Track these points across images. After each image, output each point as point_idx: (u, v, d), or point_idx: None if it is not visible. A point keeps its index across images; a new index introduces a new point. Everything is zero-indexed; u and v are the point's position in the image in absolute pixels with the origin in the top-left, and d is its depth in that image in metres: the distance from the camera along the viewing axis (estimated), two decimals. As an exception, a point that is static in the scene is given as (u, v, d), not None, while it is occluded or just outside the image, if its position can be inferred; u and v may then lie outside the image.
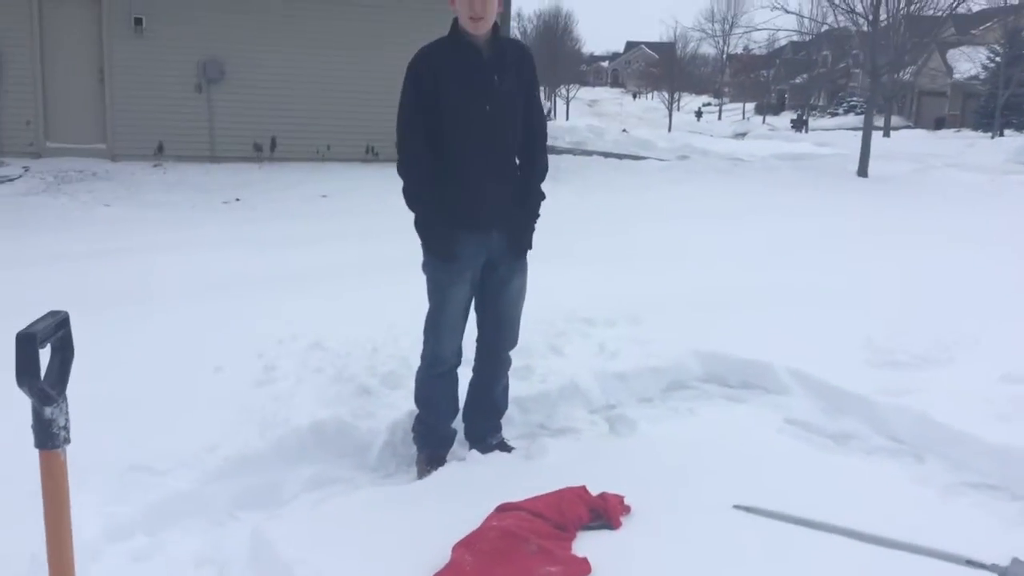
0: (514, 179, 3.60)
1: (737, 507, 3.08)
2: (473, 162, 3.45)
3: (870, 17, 15.94)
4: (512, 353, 3.85)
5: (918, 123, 49.39)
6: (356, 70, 13.63)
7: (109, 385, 4.21)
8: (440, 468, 3.53)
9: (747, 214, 10.27)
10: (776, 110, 62.07)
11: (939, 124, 45.93)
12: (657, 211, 10.57)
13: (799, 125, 48.52)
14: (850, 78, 48.82)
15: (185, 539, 3.16)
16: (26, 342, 1.18)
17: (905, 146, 26.52)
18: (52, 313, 1.26)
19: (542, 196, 3.69)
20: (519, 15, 73.28)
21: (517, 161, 3.62)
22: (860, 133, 15.69)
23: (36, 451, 1.40)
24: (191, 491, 3.38)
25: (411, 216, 3.50)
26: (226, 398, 4.16)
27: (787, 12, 17.15)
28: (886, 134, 37.52)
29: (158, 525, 3.19)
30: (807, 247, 8.06)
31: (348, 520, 3.05)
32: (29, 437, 1.63)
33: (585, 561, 2.69)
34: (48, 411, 1.27)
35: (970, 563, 2.75)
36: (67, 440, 1.31)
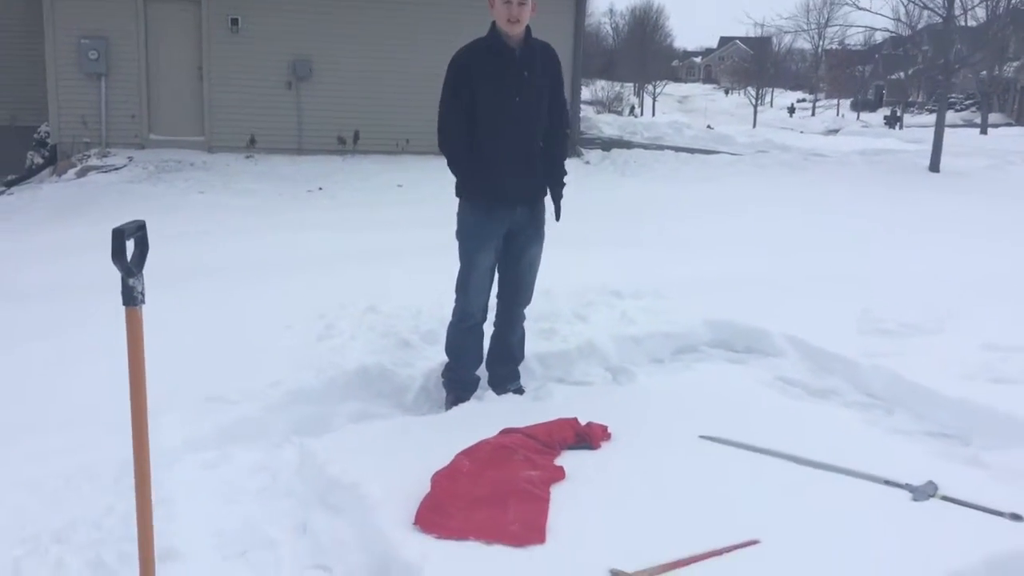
0: (537, 162, 4.20)
1: (703, 437, 3.61)
2: (503, 145, 4.07)
3: (943, 13, 15.91)
4: (539, 317, 4.45)
5: (1020, 120, 47.79)
6: (433, 66, 14.22)
7: (197, 337, 4.98)
8: (461, 404, 4.15)
9: (796, 206, 10.61)
10: (872, 107, 60.80)
11: (1042, 122, 44.44)
12: (711, 202, 10.98)
13: (892, 121, 47.61)
14: (952, 75, 47.72)
15: (247, 454, 3.82)
16: (117, 234, 1.85)
17: (999, 143, 26.01)
18: (135, 220, 1.92)
19: (565, 172, 4.30)
20: (611, 10, 73.50)
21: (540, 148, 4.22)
22: (957, 130, 15.69)
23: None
24: (255, 417, 4.06)
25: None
26: (291, 349, 4.86)
27: (872, 13, 17.11)
28: (983, 131, 36.61)
29: (226, 442, 3.86)
30: (841, 236, 8.41)
31: (377, 437, 3.69)
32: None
33: (561, 469, 3.27)
34: (131, 281, 1.94)
35: (887, 482, 3.23)
36: (143, 301, 1.97)
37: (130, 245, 1.91)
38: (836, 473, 3.32)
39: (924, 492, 3.17)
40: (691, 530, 2.86)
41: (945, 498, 3.15)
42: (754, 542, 2.81)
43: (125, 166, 13.12)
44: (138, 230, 1.91)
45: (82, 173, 12.86)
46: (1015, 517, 3.02)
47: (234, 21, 14.44)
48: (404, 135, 15.03)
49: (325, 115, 14.91)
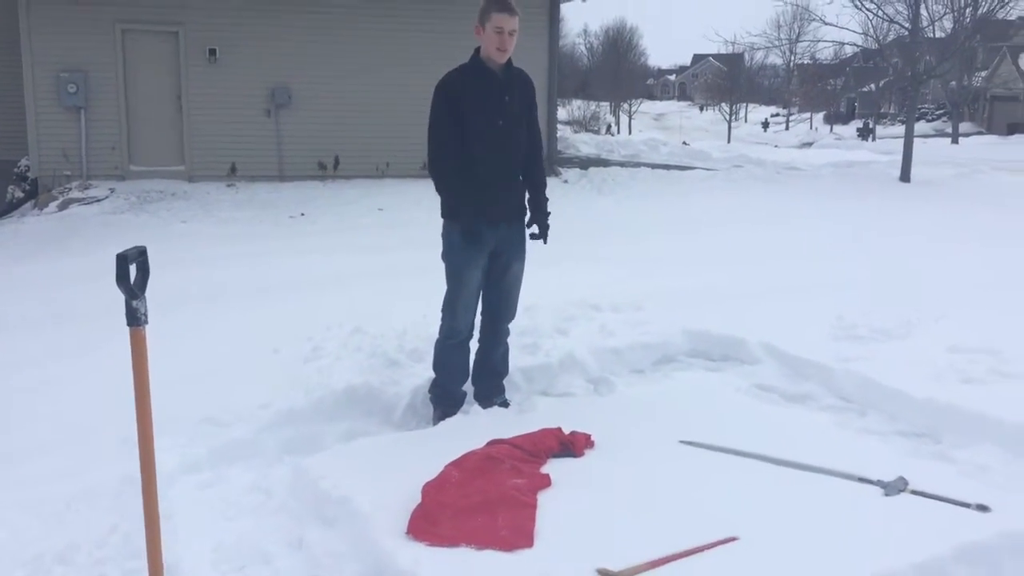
0: (519, 182, 4.36)
1: (682, 442, 3.75)
2: (488, 167, 4.22)
3: (908, 26, 16.26)
4: (522, 332, 4.58)
5: (990, 129, 48.52)
6: (412, 92, 14.40)
7: (187, 362, 5.08)
8: (448, 419, 4.27)
9: (770, 219, 10.84)
10: (845, 119, 61.59)
11: (1012, 130, 45.10)
12: (687, 217, 11.19)
13: (865, 133, 48.29)
14: (920, 86, 48.47)
15: (241, 474, 3.92)
16: (121, 260, 1.97)
17: (969, 152, 26.49)
18: (137, 246, 2.05)
19: (546, 199, 4.47)
20: (585, 31, 74.11)
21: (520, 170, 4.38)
22: (929, 140, 15.99)
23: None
24: (247, 439, 4.17)
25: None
26: (279, 371, 4.97)
27: (840, 28, 17.46)
28: (954, 140, 37.19)
29: (221, 463, 3.97)
30: (814, 247, 8.61)
31: (368, 453, 3.81)
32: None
33: (547, 476, 3.40)
34: (134, 303, 2.06)
35: (861, 479, 3.37)
36: (146, 322, 2.09)
37: (132, 269, 2.03)
38: (811, 472, 3.46)
39: (895, 487, 3.32)
40: (673, 530, 2.98)
41: (915, 492, 3.30)
42: (733, 539, 2.93)
43: (107, 198, 13.18)
44: (140, 255, 2.04)
45: (64, 206, 12.90)
46: (981, 508, 3.16)
47: (212, 51, 14.56)
48: (384, 159, 15.18)
49: (305, 141, 15.03)
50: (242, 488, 3.79)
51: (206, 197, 13.51)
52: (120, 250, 2.04)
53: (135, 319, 2.07)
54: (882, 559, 2.82)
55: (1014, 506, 3.17)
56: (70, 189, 13.56)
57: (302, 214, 12.21)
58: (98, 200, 13.06)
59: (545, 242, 4.43)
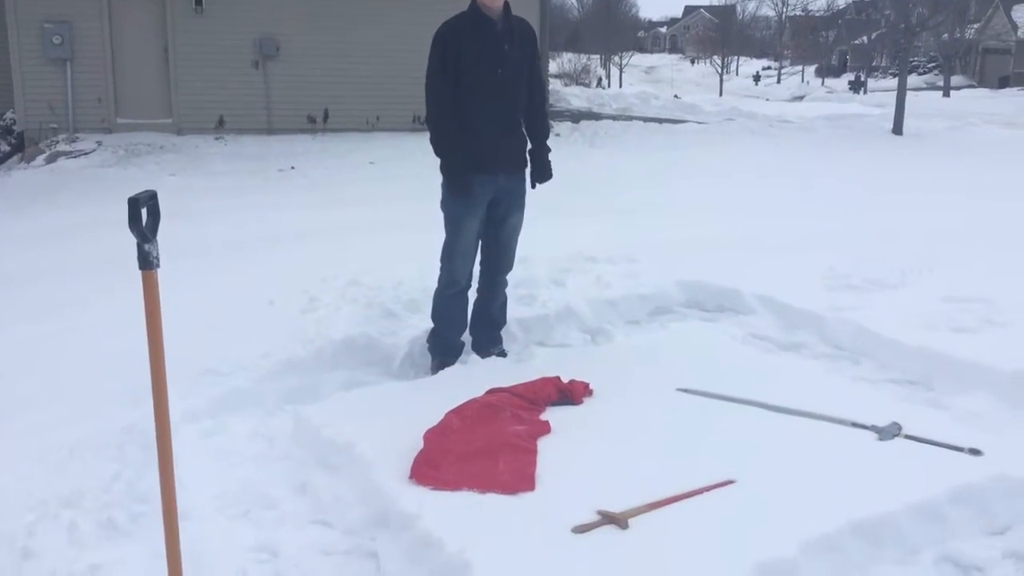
0: (519, 132, 4.36)
1: (680, 390, 3.80)
2: (486, 116, 4.21)
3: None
4: (518, 284, 4.60)
5: (982, 82, 48.35)
6: (402, 43, 14.30)
7: (182, 316, 5.05)
8: (447, 368, 4.30)
9: (762, 171, 10.85)
10: (837, 72, 61.24)
11: (1003, 83, 44.98)
12: (679, 170, 11.19)
13: (856, 87, 48.05)
14: (913, 38, 48.19)
15: (243, 423, 3.95)
16: (133, 203, 1.98)
17: (961, 105, 26.42)
18: (147, 191, 2.05)
19: (549, 149, 4.47)
20: (575, -20, 73.15)
21: (521, 119, 4.35)
22: (920, 93, 15.96)
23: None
24: (248, 388, 4.19)
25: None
26: (277, 322, 4.98)
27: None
28: (946, 94, 37.03)
29: (222, 412, 3.99)
30: (807, 199, 8.64)
31: (369, 402, 3.85)
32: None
33: (547, 423, 3.44)
34: (147, 246, 2.07)
35: (854, 424, 3.43)
36: (158, 265, 2.11)
37: (144, 213, 2.04)
38: (806, 418, 3.52)
39: (889, 432, 3.37)
40: (672, 474, 3.04)
41: (909, 437, 3.35)
42: (730, 482, 2.99)
43: (94, 151, 13.07)
44: (150, 199, 2.05)
45: (51, 159, 12.79)
46: (974, 452, 3.23)
47: (198, 2, 14.35)
48: (375, 112, 15.05)
49: (294, 94, 14.89)
50: (244, 436, 3.82)
51: (195, 150, 13.42)
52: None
53: (147, 263, 2.08)
54: (878, 501, 2.88)
55: (1005, 450, 3.24)
56: (57, 142, 13.44)
57: (292, 168, 12.14)
58: (85, 153, 12.96)
59: (543, 180, 4.44)
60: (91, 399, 3.89)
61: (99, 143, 13.47)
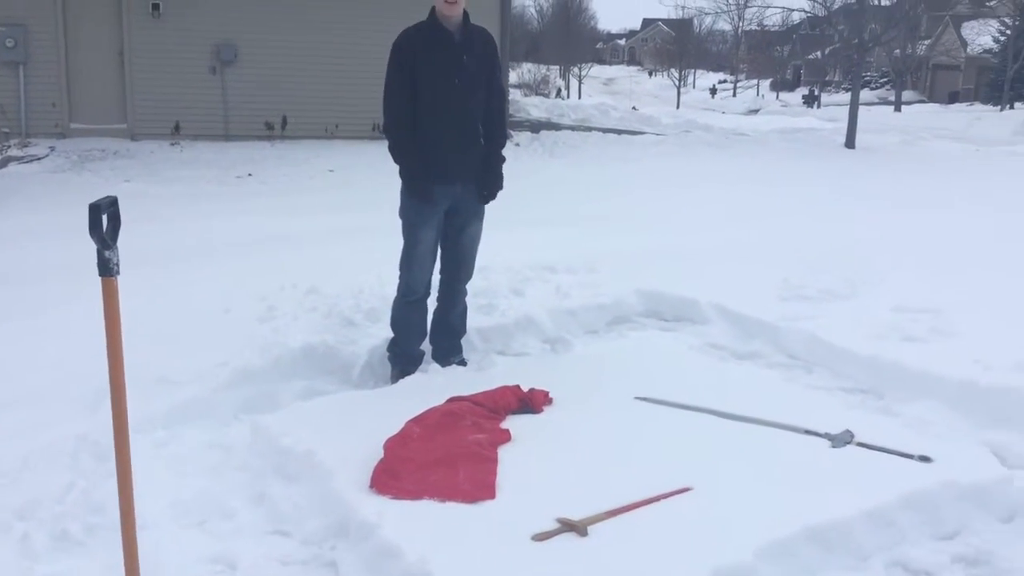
0: (477, 142, 4.37)
1: (638, 398, 3.83)
2: (444, 126, 4.22)
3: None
4: (477, 293, 4.61)
5: (932, 97, 49.41)
6: (362, 51, 14.25)
7: (136, 324, 4.97)
8: (407, 377, 4.30)
9: (719, 183, 11.00)
10: (791, 87, 62.18)
11: (952, 98, 46.02)
12: (638, 181, 11.30)
13: (810, 101, 48.85)
14: (866, 53, 49.05)
15: (198, 433, 3.90)
16: (94, 209, 1.96)
17: (911, 120, 26.98)
18: (108, 197, 2.03)
19: (503, 159, 4.46)
20: (534, -8, 73.51)
21: (480, 129, 4.37)
22: (873, 108, 16.27)
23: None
24: (203, 398, 4.14)
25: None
26: (233, 331, 4.93)
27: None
28: (897, 108, 37.80)
29: (176, 422, 3.94)
30: (763, 210, 8.78)
31: (328, 410, 3.83)
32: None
33: (507, 431, 3.46)
34: (107, 253, 2.05)
35: (808, 432, 3.49)
36: (118, 272, 2.09)
37: (104, 219, 2.02)
38: (761, 426, 3.57)
39: (842, 439, 3.44)
40: (630, 481, 3.07)
41: (861, 444, 3.42)
42: (687, 489, 3.03)
43: (47, 156, 12.84)
44: (111, 205, 2.03)
45: (2, 164, 12.54)
46: (924, 459, 3.30)
47: (155, 6, 14.19)
48: (333, 120, 14.99)
49: (252, 100, 14.77)
50: (199, 446, 3.78)
51: (150, 156, 13.24)
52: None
53: (107, 269, 2.07)
54: (831, 507, 2.93)
55: (954, 457, 3.32)
56: (8, 147, 13.19)
57: (249, 174, 12.04)
58: (38, 159, 12.72)
59: (488, 199, 4.41)
60: (44, 409, 3.82)
61: (52, 148, 13.24)
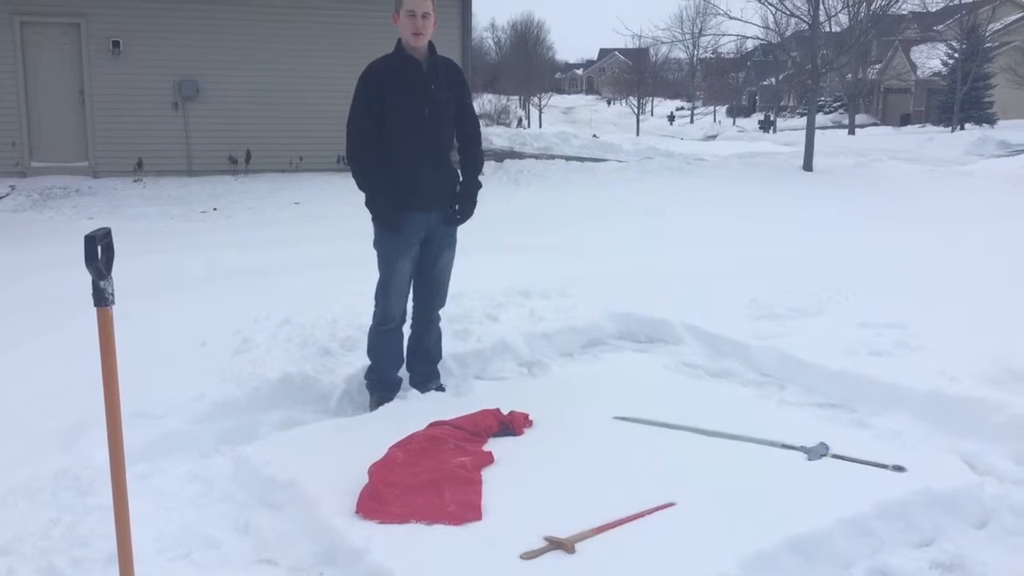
0: (449, 170, 4.43)
1: (616, 417, 3.89)
2: (414, 156, 4.27)
3: (808, 20, 16.87)
4: (451, 319, 4.65)
5: (884, 120, 50.53)
6: (325, 83, 14.38)
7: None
8: (386, 404, 4.32)
9: (683, 207, 11.17)
10: (747, 112, 63.24)
11: (904, 120, 47.09)
12: (602, 207, 11.44)
13: (766, 126, 49.74)
14: (819, 78, 50.02)
15: (179, 465, 3.88)
16: (90, 240, 1.98)
17: (866, 142, 27.57)
18: (102, 228, 2.06)
19: (479, 185, 4.53)
20: (492, 25, 74.31)
21: (450, 157, 4.43)
22: (827, 131, 16.62)
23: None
24: (183, 430, 4.13)
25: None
26: (210, 363, 4.91)
27: (743, 22, 18.07)
28: (851, 131, 38.61)
29: (156, 455, 3.91)
30: (729, 233, 8.94)
31: (309, 439, 3.83)
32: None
33: (489, 454, 3.49)
34: (102, 283, 2.07)
35: (784, 446, 3.57)
36: (113, 302, 2.11)
37: (99, 250, 2.05)
38: (738, 441, 3.64)
39: (817, 452, 3.52)
40: (614, 498, 3.11)
41: (836, 456, 3.50)
42: (670, 504, 3.08)
43: (8, 195, 12.71)
44: (105, 236, 2.06)
45: (-39, 203, 12.40)
46: (898, 468, 3.39)
47: (115, 43, 14.18)
48: (298, 152, 15.02)
49: (215, 135, 14.76)
50: (181, 479, 3.75)
51: (112, 193, 13.16)
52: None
53: (103, 299, 2.09)
54: (810, 518, 3.00)
55: (927, 465, 3.42)
56: (-32, 187, 13.04)
57: (214, 209, 12.01)
58: (-1, 197, 12.60)
59: (463, 220, 4.47)
60: (24, 444, 3.79)
61: (12, 187, 13.12)
